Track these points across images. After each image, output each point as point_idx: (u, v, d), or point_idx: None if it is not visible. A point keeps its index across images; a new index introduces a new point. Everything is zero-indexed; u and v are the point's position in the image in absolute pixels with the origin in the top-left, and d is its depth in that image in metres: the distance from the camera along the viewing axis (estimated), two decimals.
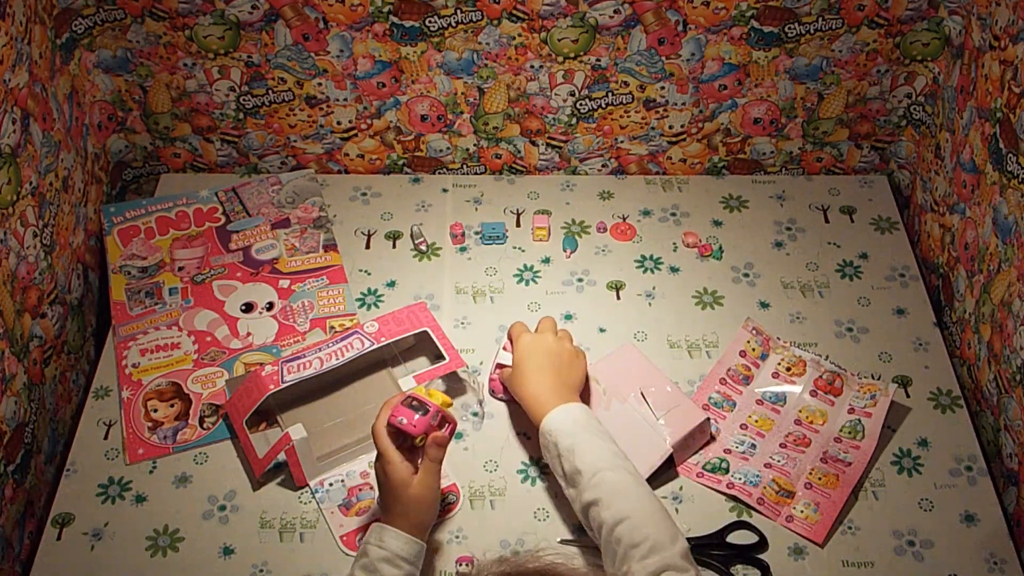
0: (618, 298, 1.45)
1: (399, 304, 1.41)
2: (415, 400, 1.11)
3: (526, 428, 1.30)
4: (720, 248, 1.51)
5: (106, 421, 1.31)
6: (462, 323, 1.41)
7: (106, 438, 1.29)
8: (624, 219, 1.55)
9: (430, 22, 1.42)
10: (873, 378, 1.34)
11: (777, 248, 1.51)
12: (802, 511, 1.21)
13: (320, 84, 1.50)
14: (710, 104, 1.53)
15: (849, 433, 1.26)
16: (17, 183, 1.24)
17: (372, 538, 1.08)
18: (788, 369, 1.34)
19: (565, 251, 1.51)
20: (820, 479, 1.23)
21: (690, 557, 1.05)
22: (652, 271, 1.48)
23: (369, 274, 1.48)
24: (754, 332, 1.37)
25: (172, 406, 1.32)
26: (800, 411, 1.30)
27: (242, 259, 1.48)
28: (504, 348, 1.32)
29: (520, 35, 1.44)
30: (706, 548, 1.18)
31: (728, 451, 1.27)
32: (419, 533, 1.09)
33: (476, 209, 1.57)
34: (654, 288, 1.46)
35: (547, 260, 1.50)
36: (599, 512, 1.08)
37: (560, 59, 1.46)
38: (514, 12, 1.41)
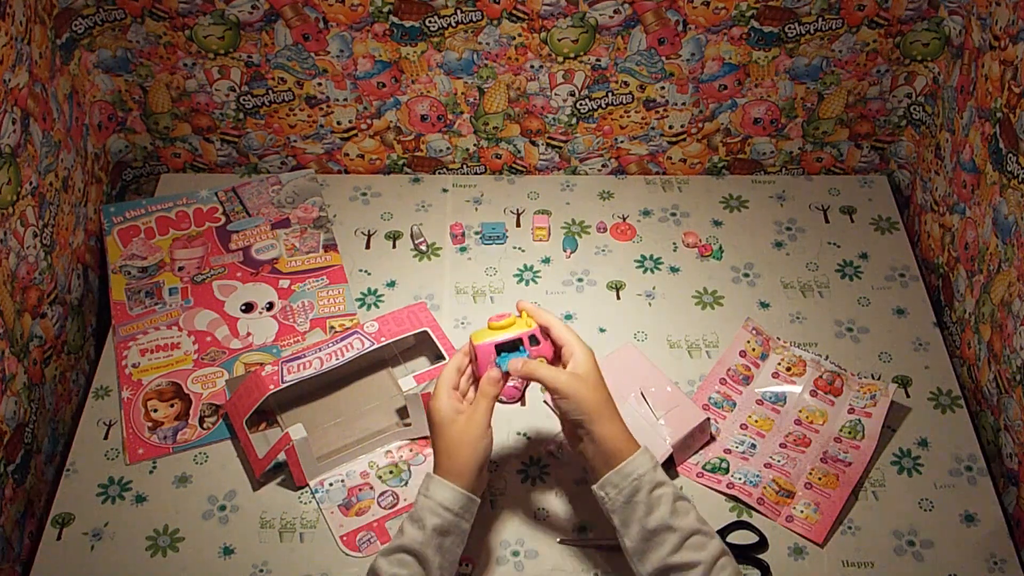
0: (618, 298, 1.45)
1: (399, 304, 1.41)
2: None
3: (526, 428, 1.30)
4: (720, 248, 1.51)
5: (106, 421, 1.31)
6: (462, 323, 1.41)
7: (106, 438, 1.29)
8: (624, 219, 1.55)
9: (430, 22, 1.42)
10: (873, 378, 1.34)
11: (777, 248, 1.51)
12: (802, 511, 1.21)
13: (320, 84, 1.50)
14: (710, 104, 1.53)
15: (849, 433, 1.26)
16: (17, 183, 1.24)
17: (421, 487, 1.06)
18: (788, 369, 1.34)
19: (565, 251, 1.51)
20: (820, 479, 1.23)
21: None
22: (652, 271, 1.48)
23: (369, 274, 1.48)
24: (754, 332, 1.37)
25: (172, 406, 1.32)
26: (800, 411, 1.30)
27: (242, 259, 1.48)
28: None
29: (520, 35, 1.44)
30: None
31: (728, 451, 1.27)
32: (467, 479, 1.05)
33: (476, 209, 1.57)
34: (654, 288, 1.46)
35: (547, 260, 1.50)
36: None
37: (560, 59, 1.46)
38: (514, 12, 1.41)
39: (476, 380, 1.11)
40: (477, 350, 1.09)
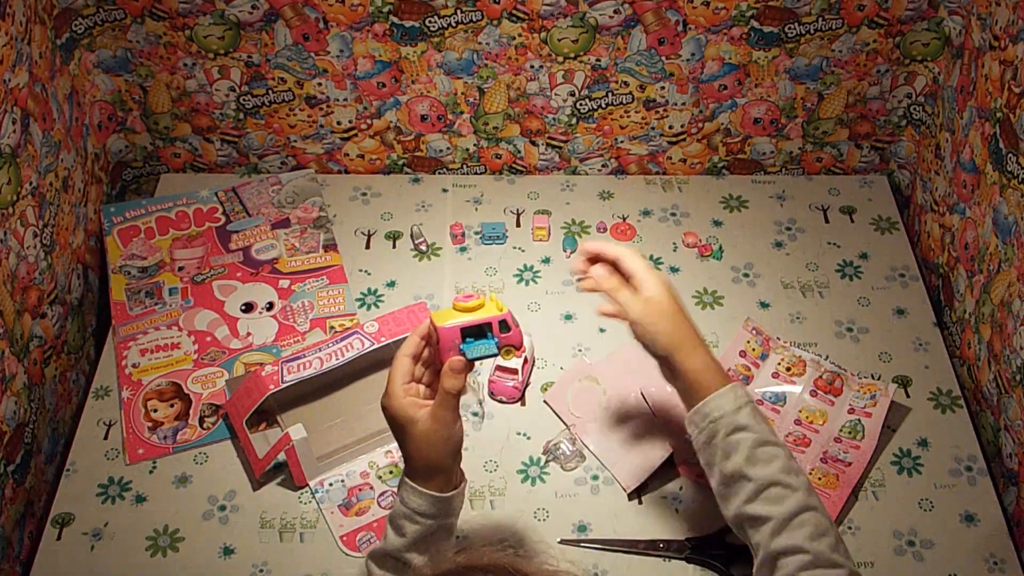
0: None
1: (399, 304, 1.41)
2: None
3: (526, 428, 1.30)
4: (720, 248, 1.51)
5: (106, 421, 1.31)
6: None
7: (106, 438, 1.29)
8: (624, 219, 1.55)
9: (430, 22, 1.42)
10: (873, 378, 1.34)
11: (777, 248, 1.51)
12: None
13: (320, 84, 1.50)
14: (710, 104, 1.53)
15: (849, 433, 1.26)
16: (17, 183, 1.24)
17: (397, 491, 0.99)
18: (788, 369, 1.34)
19: (565, 251, 1.51)
20: (820, 479, 1.23)
21: (840, 543, 0.94)
22: None
23: (369, 274, 1.48)
24: (754, 332, 1.37)
25: (172, 406, 1.32)
26: (800, 411, 1.30)
27: (242, 259, 1.48)
28: None
29: (520, 35, 1.44)
30: (706, 548, 1.18)
31: None
32: (441, 480, 0.97)
33: (476, 209, 1.57)
34: None
35: (547, 260, 1.50)
36: (763, 532, 0.95)
37: (560, 59, 1.46)
38: (514, 12, 1.41)
39: (435, 365, 0.99)
40: (440, 333, 0.95)
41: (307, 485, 1.24)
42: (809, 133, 1.58)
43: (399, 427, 0.96)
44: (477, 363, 0.98)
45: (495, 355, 0.97)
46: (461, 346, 0.96)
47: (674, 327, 1.02)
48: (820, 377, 1.32)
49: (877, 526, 1.21)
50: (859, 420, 1.27)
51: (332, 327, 1.40)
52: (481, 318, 0.96)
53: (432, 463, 0.96)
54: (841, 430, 1.27)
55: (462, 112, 1.54)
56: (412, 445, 0.96)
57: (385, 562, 1.00)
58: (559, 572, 0.75)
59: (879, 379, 1.34)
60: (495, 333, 0.97)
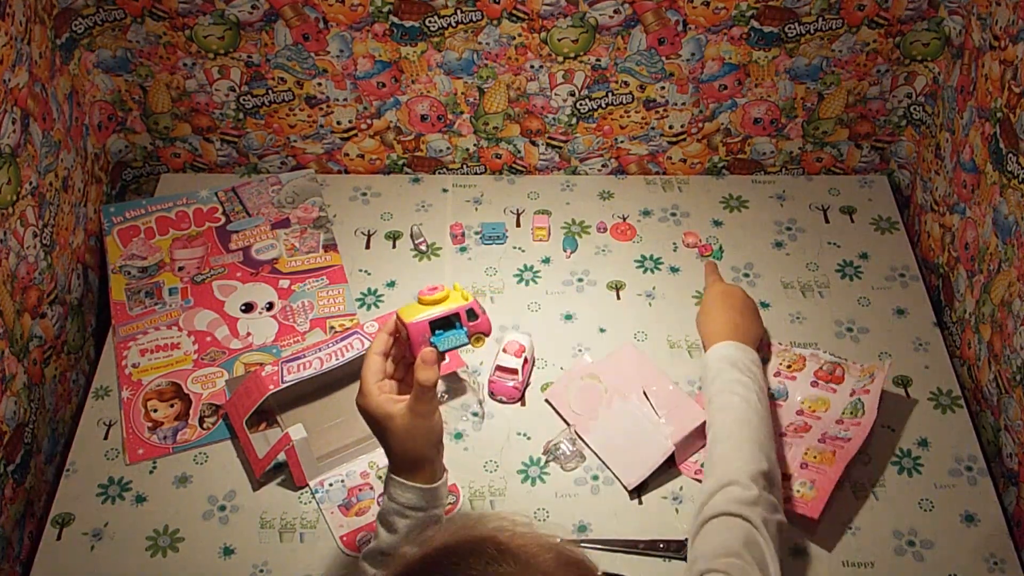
0: (618, 298, 1.45)
1: (399, 304, 1.40)
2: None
3: (526, 428, 1.30)
4: (720, 248, 1.51)
5: (106, 421, 1.31)
6: None
7: (106, 438, 1.29)
8: (624, 219, 1.55)
9: (430, 22, 1.42)
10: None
11: (777, 248, 1.51)
12: (797, 490, 1.19)
13: (320, 84, 1.50)
14: (710, 104, 1.53)
15: (851, 413, 1.26)
16: (17, 183, 1.24)
17: (384, 488, 1.01)
18: (789, 367, 1.34)
19: (565, 251, 1.51)
20: (815, 457, 1.21)
21: (766, 480, 1.06)
22: (652, 271, 1.48)
23: (369, 274, 1.48)
24: None
25: (172, 406, 1.32)
26: (802, 402, 1.29)
27: (242, 259, 1.48)
28: (504, 350, 1.32)
29: (520, 35, 1.44)
30: None
31: None
32: (426, 472, 0.98)
33: (476, 209, 1.57)
34: (654, 288, 1.46)
35: (547, 260, 1.50)
36: (708, 435, 1.16)
37: (560, 59, 1.46)
38: (514, 12, 1.41)
39: (406, 360, 0.99)
40: (409, 329, 0.95)
41: (307, 485, 1.24)
42: (809, 133, 1.58)
43: (377, 424, 0.97)
44: (474, 361, 0.97)
45: (466, 344, 0.98)
46: (431, 339, 0.96)
47: (703, 326, 1.34)
48: (820, 368, 1.32)
49: (877, 526, 1.21)
50: (859, 399, 1.26)
51: (332, 327, 1.40)
52: (448, 309, 0.97)
53: (416, 456, 0.97)
54: (843, 412, 1.26)
55: (462, 112, 1.54)
56: (394, 440, 0.97)
57: (379, 561, 1.00)
58: (531, 539, 0.75)
59: (880, 357, 1.34)
60: (463, 322, 0.97)
